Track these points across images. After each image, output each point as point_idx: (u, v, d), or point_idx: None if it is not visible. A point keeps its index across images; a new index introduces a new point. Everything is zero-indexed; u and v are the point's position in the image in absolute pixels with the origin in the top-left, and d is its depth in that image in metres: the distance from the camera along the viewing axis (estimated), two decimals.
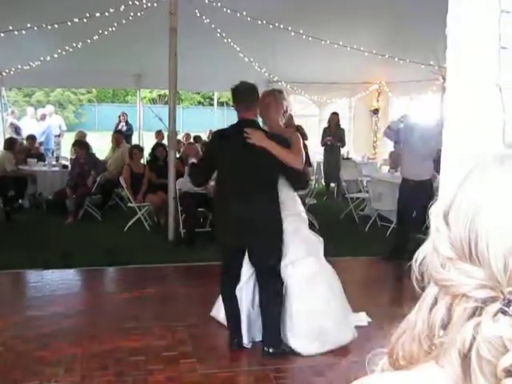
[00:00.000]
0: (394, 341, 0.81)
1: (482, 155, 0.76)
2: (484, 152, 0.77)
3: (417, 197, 7.06)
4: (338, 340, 4.68)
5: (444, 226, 0.74)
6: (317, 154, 12.70)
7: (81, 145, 10.59)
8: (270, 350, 4.49)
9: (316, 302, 4.62)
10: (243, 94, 4.60)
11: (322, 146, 12.68)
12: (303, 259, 4.64)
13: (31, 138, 12.67)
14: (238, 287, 4.66)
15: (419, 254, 0.79)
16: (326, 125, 12.85)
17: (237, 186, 4.49)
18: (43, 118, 14.83)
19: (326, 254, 4.86)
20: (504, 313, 0.67)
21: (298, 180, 4.60)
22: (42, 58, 11.01)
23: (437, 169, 8.67)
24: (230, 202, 4.49)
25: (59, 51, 10.69)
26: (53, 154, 13.90)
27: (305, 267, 4.64)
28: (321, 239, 4.88)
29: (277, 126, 4.68)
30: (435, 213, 0.77)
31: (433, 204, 0.78)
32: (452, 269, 0.72)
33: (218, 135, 4.83)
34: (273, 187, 4.49)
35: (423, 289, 0.79)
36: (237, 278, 4.66)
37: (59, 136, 15.05)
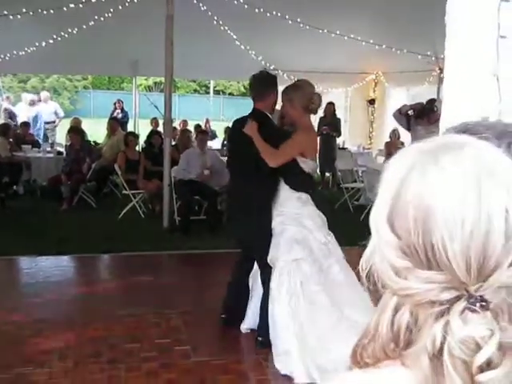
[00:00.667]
0: (358, 343, 0.79)
1: (411, 152, 0.74)
2: (412, 147, 0.74)
3: None
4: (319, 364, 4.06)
5: (391, 234, 0.72)
6: None
7: (76, 131, 10.57)
8: (259, 339, 4.51)
9: (278, 311, 4.29)
10: (254, 84, 4.58)
11: (318, 135, 12.66)
12: (277, 262, 4.38)
13: (25, 124, 12.63)
14: (251, 273, 4.69)
15: (364, 263, 0.76)
16: (322, 114, 12.84)
17: (237, 175, 4.56)
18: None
19: None
20: (472, 310, 0.67)
21: (289, 181, 4.46)
22: (37, 44, 10.93)
23: None
24: (232, 190, 4.57)
25: (54, 37, 10.62)
26: (47, 139, 13.82)
27: (276, 270, 4.37)
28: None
29: (296, 122, 4.53)
30: (375, 220, 0.75)
31: None
32: (410, 277, 0.70)
33: (233, 123, 4.85)
34: (266, 181, 4.44)
35: (377, 294, 0.76)
36: (251, 266, 4.69)
37: (54, 122, 14.96)
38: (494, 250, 0.67)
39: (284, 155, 4.33)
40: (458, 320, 0.66)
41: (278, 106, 4.81)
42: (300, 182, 4.50)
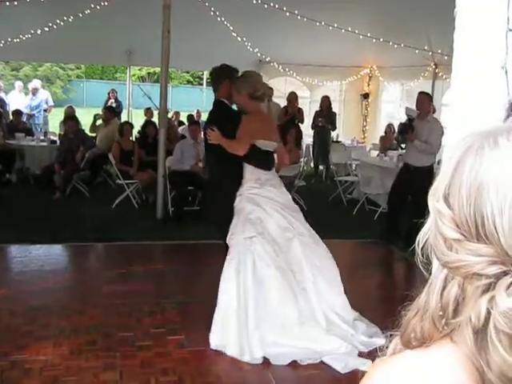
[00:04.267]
0: (406, 323, 0.82)
1: (470, 135, 0.77)
2: (472, 132, 0.78)
3: (415, 182, 7.13)
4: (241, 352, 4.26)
5: (445, 207, 0.75)
6: (307, 136, 12.70)
7: (72, 119, 10.54)
8: None
9: (224, 287, 4.43)
10: (210, 78, 5.20)
11: (313, 128, 12.68)
12: (232, 240, 4.56)
13: (17, 112, 12.51)
14: None
15: (421, 237, 0.79)
16: (317, 107, 12.85)
17: (206, 159, 5.07)
18: (35, 92, 14.56)
19: None
20: None
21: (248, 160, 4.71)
22: (32, 31, 10.84)
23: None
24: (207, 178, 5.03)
25: (50, 25, 10.54)
26: (41, 129, 13.73)
27: (230, 248, 4.55)
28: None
29: (243, 107, 4.82)
30: (434, 196, 0.78)
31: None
32: (460, 249, 0.73)
33: None
34: (227, 164, 4.71)
35: (428, 269, 0.79)
36: None
37: (46, 111, 14.84)
38: None
39: (242, 141, 4.61)
40: (503, 294, 0.68)
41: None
42: (259, 160, 4.71)
